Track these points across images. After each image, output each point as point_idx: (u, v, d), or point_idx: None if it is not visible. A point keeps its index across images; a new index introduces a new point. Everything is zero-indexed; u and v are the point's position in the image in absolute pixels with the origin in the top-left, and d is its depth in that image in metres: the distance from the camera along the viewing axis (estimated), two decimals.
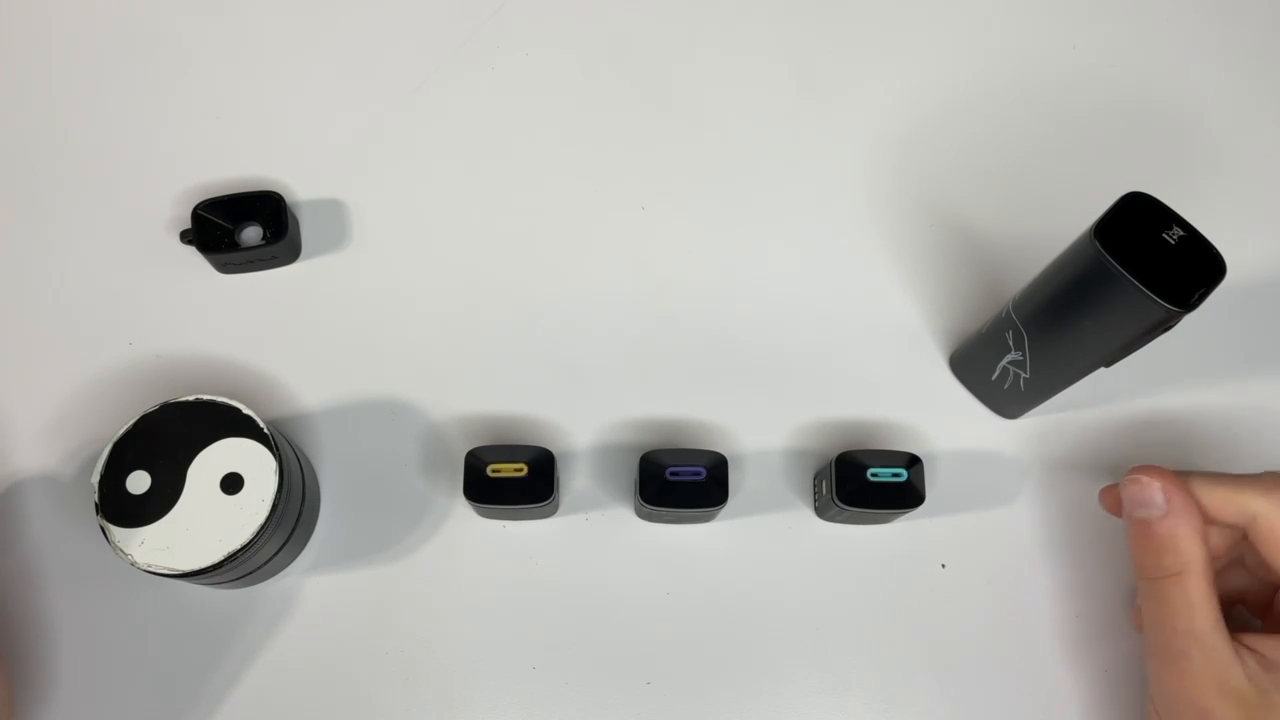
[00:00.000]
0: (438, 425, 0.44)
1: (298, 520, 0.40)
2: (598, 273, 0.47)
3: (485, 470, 0.39)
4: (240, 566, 0.37)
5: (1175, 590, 0.35)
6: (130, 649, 0.41)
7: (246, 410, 0.38)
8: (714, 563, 0.42)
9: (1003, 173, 0.49)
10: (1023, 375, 0.41)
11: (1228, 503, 0.36)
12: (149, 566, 0.36)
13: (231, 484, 0.37)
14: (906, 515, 0.42)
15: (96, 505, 0.37)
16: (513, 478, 0.39)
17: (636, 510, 0.42)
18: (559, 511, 0.43)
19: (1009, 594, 0.42)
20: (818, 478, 0.43)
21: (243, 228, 0.45)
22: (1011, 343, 0.40)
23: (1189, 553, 0.35)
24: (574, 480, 0.43)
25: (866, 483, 0.40)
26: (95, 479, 0.37)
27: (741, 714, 0.41)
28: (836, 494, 0.39)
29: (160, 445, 0.37)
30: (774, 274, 0.47)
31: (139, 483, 0.37)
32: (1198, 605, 0.35)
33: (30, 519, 0.42)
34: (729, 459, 0.40)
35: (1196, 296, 0.33)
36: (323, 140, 0.49)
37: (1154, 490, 0.36)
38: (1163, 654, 0.36)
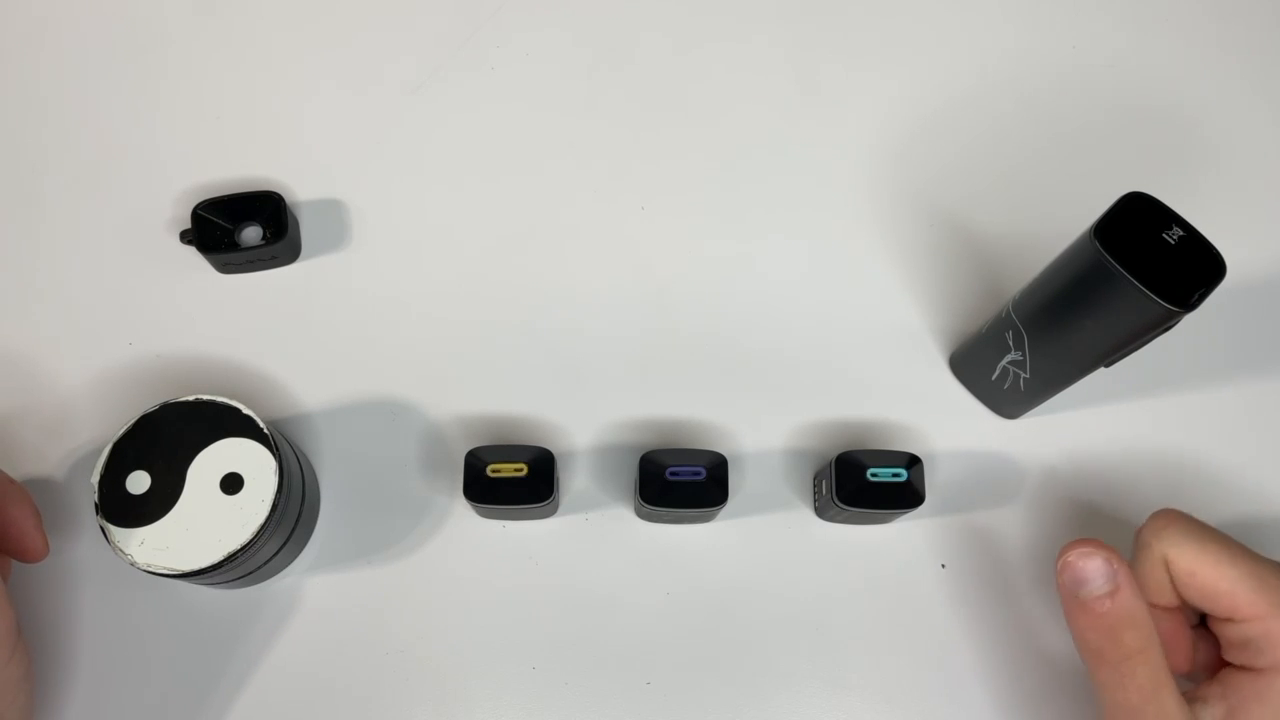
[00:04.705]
0: (438, 425, 0.44)
1: (298, 520, 0.40)
2: (597, 272, 0.47)
3: (485, 470, 0.39)
4: (240, 566, 0.37)
5: (1142, 670, 0.33)
6: (129, 649, 0.41)
7: (246, 410, 0.38)
8: (714, 563, 0.42)
9: (1003, 173, 0.49)
10: (1023, 375, 0.41)
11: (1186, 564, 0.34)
12: (149, 566, 0.36)
13: (231, 484, 0.37)
14: (906, 515, 0.42)
15: (96, 505, 0.37)
16: (513, 478, 0.39)
17: (636, 510, 0.42)
18: (559, 511, 0.43)
19: (1009, 594, 0.42)
20: (818, 478, 0.43)
21: (243, 228, 0.45)
22: (1011, 343, 0.40)
23: (1146, 625, 0.33)
24: (574, 480, 0.43)
25: (866, 483, 0.40)
26: (95, 479, 0.37)
27: (741, 714, 0.41)
28: (836, 494, 0.39)
29: (160, 445, 0.37)
30: (774, 274, 0.47)
31: (139, 483, 0.37)
32: (1164, 683, 0.33)
33: None
34: (729, 459, 0.40)
35: (1196, 296, 0.33)
36: (323, 140, 0.49)
37: (1098, 562, 0.33)
38: None
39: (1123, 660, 0.33)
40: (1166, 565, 0.35)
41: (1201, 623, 0.38)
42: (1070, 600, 0.34)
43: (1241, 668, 0.34)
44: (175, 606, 0.41)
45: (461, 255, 0.47)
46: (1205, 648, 0.37)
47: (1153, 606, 0.36)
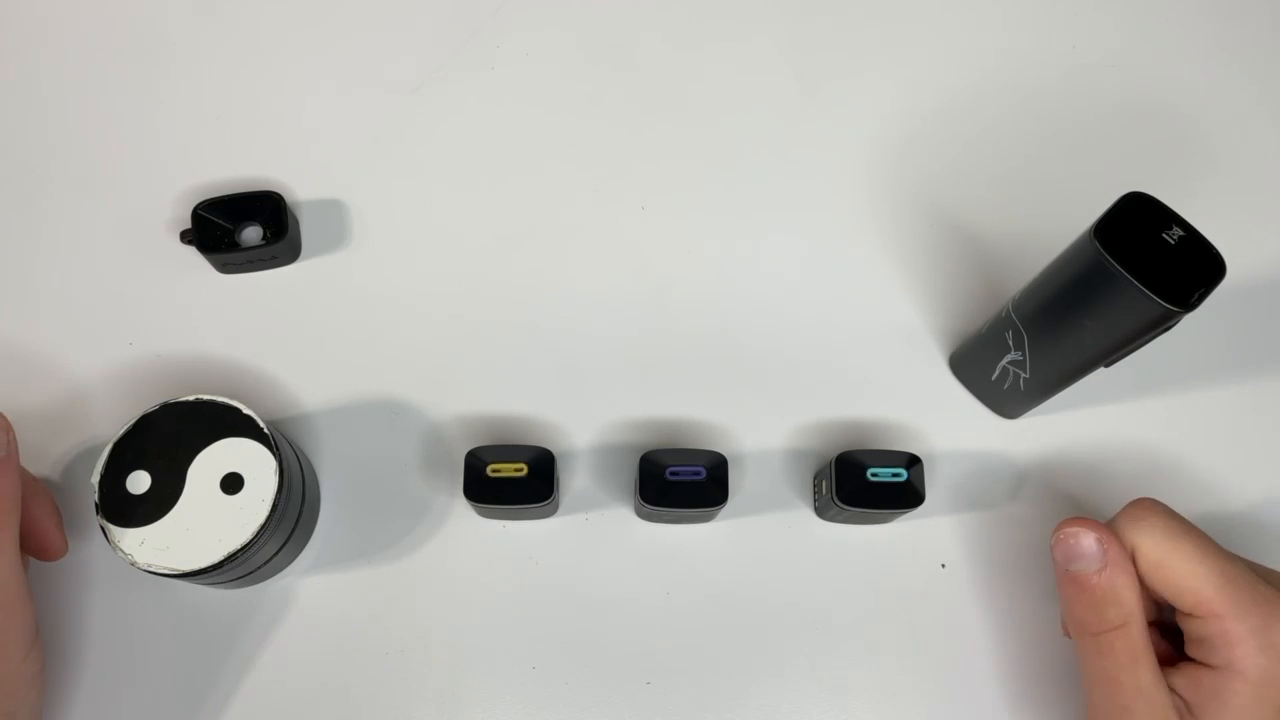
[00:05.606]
0: (438, 425, 0.44)
1: (298, 520, 0.40)
2: (598, 272, 0.47)
3: (485, 470, 0.39)
4: (240, 566, 0.37)
5: (1120, 643, 0.35)
6: (129, 649, 0.41)
7: (246, 410, 0.38)
8: (714, 563, 0.42)
9: (1003, 173, 0.49)
10: (1023, 375, 0.41)
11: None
12: (149, 566, 0.36)
13: (231, 484, 0.37)
14: (906, 515, 0.42)
15: (96, 505, 0.37)
16: (513, 478, 0.39)
17: (636, 510, 0.42)
18: (559, 511, 0.43)
19: (1008, 594, 0.42)
20: (818, 478, 0.43)
21: (243, 228, 0.45)
22: (1011, 343, 0.40)
23: (1129, 603, 0.35)
24: (574, 480, 0.43)
25: (866, 483, 0.40)
26: (95, 479, 0.37)
27: (741, 714, 0.41)
28: (836, 494, 0.39)
29: (160, 445, 0.37)
30: (774, 274, 0.47)
31: (139, 483, 0.37)
32: (1141, 657, 0.34)
33: None
34: (729, 459, 0.40)
35: (1196, 296, 0.33)
36: (323, 140, 0.49)
37: (1090, 540, 0.35)
38: (1106, 708, 0.35)
39: (1103, 632, 0.35)
40: (1135, 554, 0.36)
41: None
42: (1061, 572, 0.36)
43: (1202, 664, 0.35)
44: (175, 606, 0.41)
45: (462, 255, 0.47)
46: (1169, 640, 0.38)
47: None
